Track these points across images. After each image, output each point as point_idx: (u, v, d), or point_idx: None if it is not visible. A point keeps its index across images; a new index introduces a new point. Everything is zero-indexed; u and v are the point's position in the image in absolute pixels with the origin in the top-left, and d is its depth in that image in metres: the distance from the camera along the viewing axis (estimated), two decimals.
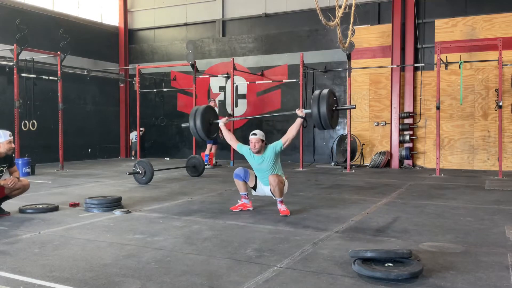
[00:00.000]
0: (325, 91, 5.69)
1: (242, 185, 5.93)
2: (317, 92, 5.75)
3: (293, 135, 5.73)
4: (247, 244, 4.22)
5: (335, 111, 5.90)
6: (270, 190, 5.71)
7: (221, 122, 6.38)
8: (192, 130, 6.42)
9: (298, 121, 5.75)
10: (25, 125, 11.40)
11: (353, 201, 6.66)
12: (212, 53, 15.09)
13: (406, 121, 12.21)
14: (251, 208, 5.98)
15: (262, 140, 5.71)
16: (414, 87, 12.20)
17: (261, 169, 5.79)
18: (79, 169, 11.77)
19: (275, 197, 5.72)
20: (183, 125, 6.90)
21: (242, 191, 5.96)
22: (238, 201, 6.04)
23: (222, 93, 14.88)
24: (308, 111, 5.79)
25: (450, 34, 11.74)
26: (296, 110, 5.87)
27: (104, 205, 5.88)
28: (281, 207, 5.69)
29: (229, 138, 6.25)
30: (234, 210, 5.90)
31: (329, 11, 7.85)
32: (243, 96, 14.52)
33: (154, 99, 15.77)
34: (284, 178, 5.80)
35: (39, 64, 12.11)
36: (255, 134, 5.73)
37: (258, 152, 5.73)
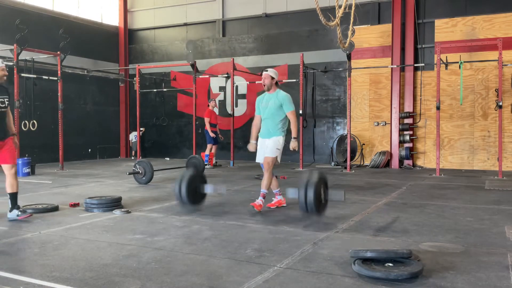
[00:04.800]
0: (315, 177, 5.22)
1: (274, 181, 6.08)
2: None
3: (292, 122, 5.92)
4: (247, 244, 4.22)
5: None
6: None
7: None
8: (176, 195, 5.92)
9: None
10: (25, 125, 11.41)
11: (353, 201, 6.66)
12: (212, 53, 15.09)
13: (406, 121, 12.20)
14: (285, 205, 6.13)
15: (273, 78, 5.92)
16: (414, 87, 12.20)
17: (267, 107, 5.92)
18: (79, 169, 11.77)
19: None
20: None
21: (275, 188, 6.10)
22: (273, 198, 6.18)
23: (222, 93, 14.88)
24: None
25: (450, 34, 11.74)
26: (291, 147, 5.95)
27: (104, 205, 5.88)
28: (257, 200, 5.89)
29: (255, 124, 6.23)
30: (271, 207, 6.05)
31: (329, 11, 7.85)
32: (243, 96, 14.52)
33: (154, 99, 15.77)
34: (280, 139, 5.87)
35: (39, 64, 12.11)
36: (266, 70, 5.97)
37: (269, 89, 5.94)
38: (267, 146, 5.92)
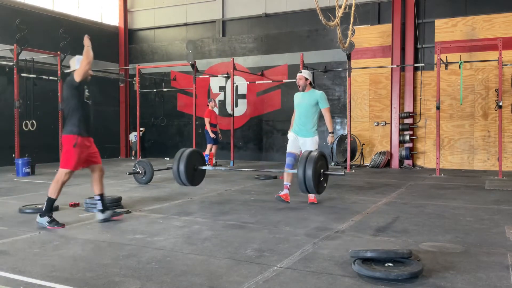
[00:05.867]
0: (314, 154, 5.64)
1: (290, 174, 6.28)
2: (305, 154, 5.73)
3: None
4: (247, 244, 4.22)
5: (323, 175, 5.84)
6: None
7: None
8: (174, 174, 6.32)
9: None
10: (25, 125, 11.40)
11: (353, 201, 6.67)
12: (212, 53, 15.09)
13: (406, 121, 12.20)
14: (289, 202, 6.25)
15: (307, 79, 6.35)
16: (414, 87, 12.20)
17: (302, 104, 6.32)
18: (79, 169, 11.73)
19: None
20: (167, 164, 6.91)
21: (287, 181, 6.30)
22: (280, 192, 6.31)
23: (222, 93, 14.88)
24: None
25: (450, 34, 11.74)
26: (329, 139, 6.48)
27: None
28: (310, 195, 6.27)
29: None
30: (280, 197, 6.22)
31: (329, 11, 7.85)
32: (243, 96, 14.52)
33: (154, 99, 15.77)
34: (317, 139, 6.40)
35: (39, 64, 12.10)
36: (300, 72, 6.46)
37: (303, 90, 6.38)
38: (305, 145, 6.26)
